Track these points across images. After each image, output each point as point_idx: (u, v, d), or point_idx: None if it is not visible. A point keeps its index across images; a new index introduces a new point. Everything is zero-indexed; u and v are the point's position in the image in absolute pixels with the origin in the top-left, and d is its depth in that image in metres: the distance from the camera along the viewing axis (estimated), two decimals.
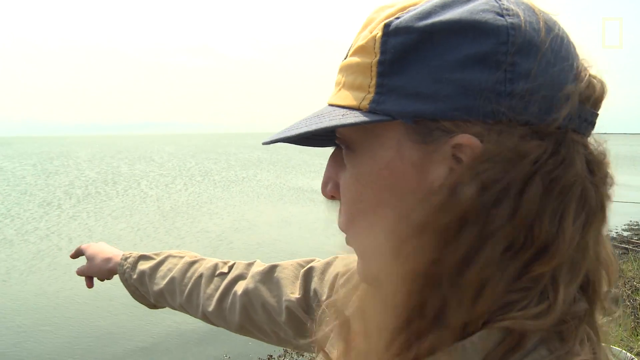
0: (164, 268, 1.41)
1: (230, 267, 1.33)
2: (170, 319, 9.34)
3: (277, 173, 41.49)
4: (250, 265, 1.32)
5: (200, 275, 1.34)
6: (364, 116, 0.66)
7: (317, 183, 24.22)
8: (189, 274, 1.36)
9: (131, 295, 1.50)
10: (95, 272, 1.57)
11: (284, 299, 1.19)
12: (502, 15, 0.63)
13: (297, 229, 18.64)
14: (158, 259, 1.44)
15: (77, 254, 1.66)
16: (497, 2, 0.65)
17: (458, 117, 0.63)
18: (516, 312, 0.60)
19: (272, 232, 18.15)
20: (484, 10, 0.63)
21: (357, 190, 0.71)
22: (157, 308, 1.50)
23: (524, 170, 0.61)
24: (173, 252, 1.46)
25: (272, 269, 1.26)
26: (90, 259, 1.59)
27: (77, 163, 59.50)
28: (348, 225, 0.76)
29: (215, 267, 1.34)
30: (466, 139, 0.62)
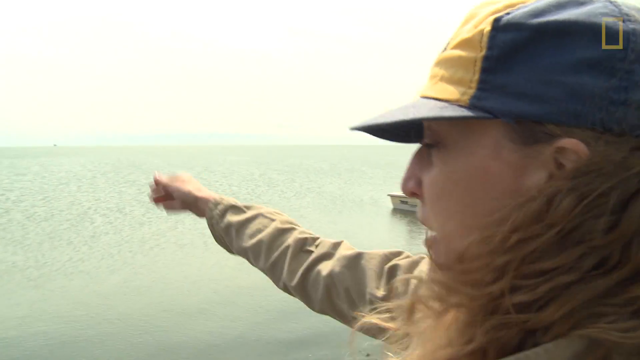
0: (252, 227, 1.39)
1: (317, 245, 1.32)
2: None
3: (340, 184, 41.66)
4: (336, 245, 1.30)
5: (288, 247, 1.32)
6: (464, 111, 0.63)
7: (378, 194, 24.32)
8: (277, 242, 1.34)
9: (214, 238, 1.51)
10: (180, 194, 1.55)
11: (367, 290, 1.17)
12: (623, 21, 0.61)
13: (359, 240, 18.69)
14: (248, 214, 1.43)
15: (164, 181, 1.61)
16: (616, 7, 0.62)
17: (565, 122, 0.60)
18: (603, 324, 0.55)
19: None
20: (603, 14, 0.62)
21: (447, 187, 0.68)
22: (236, 255, 1.50)
23: (629, 185, 0.58)
24: (264, 209, 1.44)
25: (359, 255, 1.24)
26: (183, 176, 1.60)
27: (145, 172, 61.41)
28: (433, 222, 0.72)
29: (305, 242, 1.33)
30: (572, 144, 0.60)
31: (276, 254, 1.33)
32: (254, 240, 1.37)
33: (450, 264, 0.66)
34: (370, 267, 1.21)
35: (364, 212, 25.80)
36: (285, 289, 1.33)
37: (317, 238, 1.35)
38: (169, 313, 11.20)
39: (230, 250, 1.49)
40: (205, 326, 10.42)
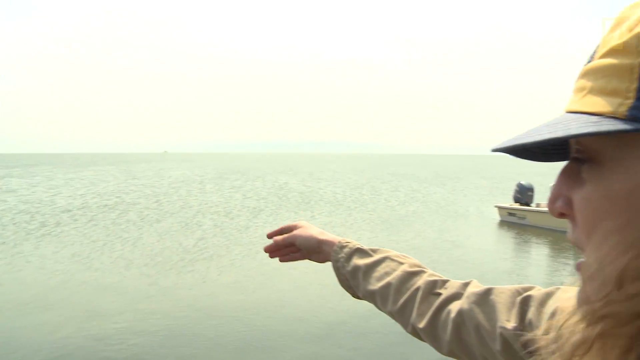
0: (380, 270, 1.38)
1: (446, 287, 1.28)
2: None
3: (444, 194, 40.94)
4: (466, 285, 1.26)
5: (417, 289, 1.29)
6: (623, 124, 0.56)
7: (484, 205, 23.63)
8: (406, 285, 1.31)
9: (339, 281, 1.49)
10: (303, 240, 1.56)
11: (498, 324, 1.11)
12: None
13: (464, 251, 18.26)
14: (375, 257, 1.42)
15: (287, 230, 1.64)
16: None
17: None
18: None
19: (440, 253, 17.93)
20: None
21: (603, 206, 0.62)
22: (361, 299, 1.47)
23: None
24: (391, 253, 1.43)
25: (489, 291, 1.19)
26: (304, 224, 1.61)
27: (249, 178, 63.06)
28: (586, 244, 0.65)
29: (434, 285, 1.29)
30: None
31: (405, 297, 1.31)
32: (382, 284, 1.35)
33: (607, 289, 0.60)
34: (500, 300, 1.15)
35: (469, 223, 25.17)
36: (414, 332, 1.29)
37: (447, 280, 1.31)
38: (274, 316, 11.31)
39: (355, 294, 1.48)
40: (307, 332, 10.43)
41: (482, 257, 16.88)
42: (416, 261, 1.41)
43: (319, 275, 13.82)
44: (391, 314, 1.33)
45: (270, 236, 1.66)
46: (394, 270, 1.36)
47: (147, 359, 9.05)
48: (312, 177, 67.48)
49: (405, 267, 1.36)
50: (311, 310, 11.68)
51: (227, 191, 43.52)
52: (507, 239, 21.59)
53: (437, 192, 43.85)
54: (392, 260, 1.40)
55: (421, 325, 1.24)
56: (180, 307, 11.88)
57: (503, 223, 24.93)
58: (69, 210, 29.79)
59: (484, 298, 1.18)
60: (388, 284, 1.34)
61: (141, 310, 11.67)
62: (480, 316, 1.15)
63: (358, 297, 1.47)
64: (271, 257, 1.66)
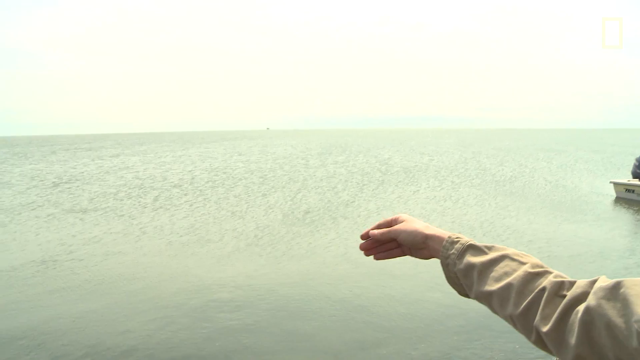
0: (499, 269, 1.28)
1: (573, 287, 1.17)
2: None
3: (552, 169, 39.22)
4: (593, 282, 1.15)
5: (543, 290, 1.19)
6: None
7: (598, 180, 22.52)
8: (530, 287, 1.22)
9: (446, 279, 1.40)
10: (406, 235, 1.46)
11: (633, 319, 1.01)
12: None
13: (576, 231, 17.42)
14: (491, 255, 1.31)
15: (386, 224, 1.54)
16: None
17: None
18: None
19: (552, 233, 17.23)
20: None
21: None
22: (471, 299, 1.38)
23: None
24: (509, 251, 1.31)
25: (618, 284, 1.08)
26: (406, 218, 1.50)
27: (352, 153, 63.21)
28: None
29: (561, 286, 1.18)
30: None
31: (529, 299, 1.20)
32: (501, 284, 1.25)
33: None
34: (634, 293, 1.03)
35: (581, 201, 23.89)
36: (537, 338, 1.17)
37: (574, 282, 1.18)
38: (385, 288, 11.26)
39: (464, 293, 1.37)
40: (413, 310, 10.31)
41: (597, 237, 15.98)
42: (538, 260, 1.29)
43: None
44: (510, 318, 1.24)
45: (364, 237, 1.56)
46: (515, 270, 1.26)
47: (255, 329, 9.27)
48: (414, 152, 66.71)
49: (527, 268, 1.25)
50: (420, 283, 11.55)
51: (331, 166, 43.86)
52: (625, 216, 20.35)
53: (545, 166, 42.07)
54: (512, 259, 1.29)
55: (545, 329, 1.14)
56: (290, 279, 12.09)
57: (620, 200, 23.52)
58: (180, 185, 31.08)
59: (614, 292, 1.06)
60: (509, 285, 1.24)
61: (250, 282, 11.97)
62: (611, 312, 1.04)
63: (467, 297, 1.38)
64: (367, 255, 1.55)
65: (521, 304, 1.20)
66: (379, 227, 1.54)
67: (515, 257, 1.29)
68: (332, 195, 25.57)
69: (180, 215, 20.66)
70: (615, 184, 24.71)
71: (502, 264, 1.28)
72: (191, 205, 23.44)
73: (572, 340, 1.09)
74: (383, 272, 12.30)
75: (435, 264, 1.47)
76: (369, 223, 18.49)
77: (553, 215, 19.79)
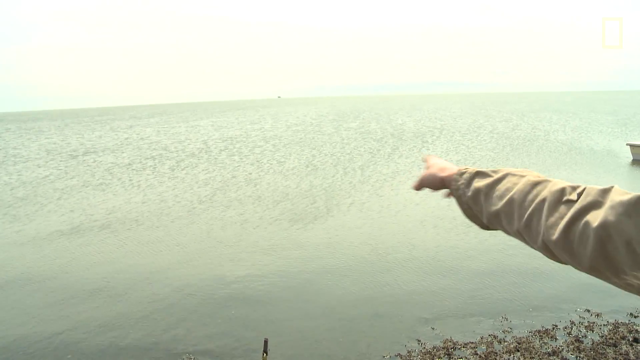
0: (501, 187, 1.25)
1: (580, 194, 1.10)
2: None
3: (567, 132, 39.00)
4: (606, 192, 1.06)
5: (544, 200, 1.14)
6: None
7: (613, 143, 22.27)
8: (530, 197, 1.17)
9: (463, 213, 1.38)
10: (428, 181, 1.50)
11: None
12: None
13: None
14: (496, 176, 1.29)
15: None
16: None
17: None
18: None
19: None
20: None
21: None
22: (490, 229, 1.35)
23: None
24: (513, 169, 1.28)
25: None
26: (430, 164, 1.53)
27: (363, 120, 63.04)
28: None
29: (562, 191, 1.12)
30: None
31: (531, 209, 1.15)
32: (504, 200, 1.22)
33: None
34: None
35: (597, 163, 23.81)
36: (544, 246, 1.12)
37: (578, 186, 1.12)
38: (400, 250, 11.48)
39: (481, 223, 1.34)
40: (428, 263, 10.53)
41: None
42: (538, 173, 1.25)
43: (443, 211, 13.81)
44: (518, 233, 1.20)
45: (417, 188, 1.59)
46: (515, 184, 1.23)
47: (282, 283, 9.55)
48: (427, 117, 66.42)
49: (527, 179, 1.22)
50: (431, 242, 11.77)
51: (344, 132, 43.88)
52: None
53: (559, 129, 41.82)
54: (513, 175, 1.26)
55: (553, 237, 1.08)
56: (309, 242, 12.35)
57: (637, 162, 23.46)
58: (195, 154, 31.34)
59: (636, 208, 0.98)
60: (511, 200, 1.21)
61: (265, 247, 12.24)
62: (632, 230, 0.97)
63: (485, 227, 1.35)
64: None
65: (524, 216, 1.17)
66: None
67: (517, 173, 1.26)
68: (347, 161, 25.73)
69: (197, 181, 20.94)
70: (632, 146, 24.55)
71: (504, 181, 1.26)
72: (209, 171, 23.76)
73: (586, 252, 1.03)
74: (398, 232, 12.54)
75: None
76: (386, 187, 18.70)
77: (570, 179, 19.85)
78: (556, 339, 7.23)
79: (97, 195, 19.28)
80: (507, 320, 7.89)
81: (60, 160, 31.25)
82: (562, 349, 6.88)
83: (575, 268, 1.08)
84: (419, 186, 1.54)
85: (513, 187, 1.23)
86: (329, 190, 18.37)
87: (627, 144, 25.62)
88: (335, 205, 15.86)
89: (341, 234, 12.85)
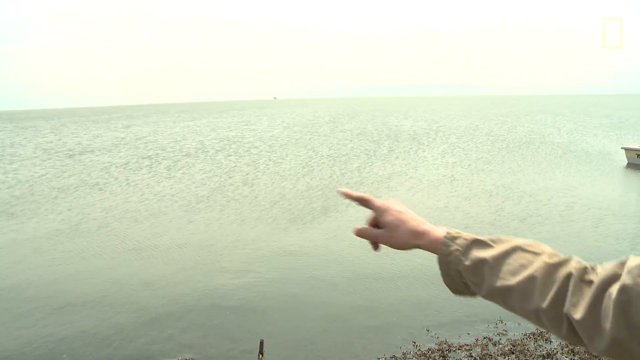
0: (512, 262, 1.18)
1: (597, 271, 1.08)
2: None
3: (562, 135, 39.09)
4: (622, 263, 1.05)
5: (569, 277, 1.10)
6: None
7: (608, 146, 22.34)
8: (553, 277, 1.12)
9: (443, 276, 1.27)
10: (395, 242, 1.33)
11: None
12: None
13: (587, 197, 17.55)
14: (501, 247, 1.21)
15: (364, 203, 1.42)
16: None
17: None
18: None
19: (564, 199, 17.37)
20: None
21: None
22: (475, 297, 1.25)
23: None
24: (519, 242, 1.21)
25: None
26: (389, 223, 1.35)
27: (359, 122, 63.09)
28: None
29: (585, 270, 1.09)
30: None
31: (555, 288, 1.10)
32: (520, 278, 1.15)
33: None
34: None
35: (592, 166, 23.85)
36: (569, 328, 1.08)
37: (596, 265, 1.10)
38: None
39: (467, 291, 1.25)
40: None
41: (608, 203, 16.04)
42: (551, 249, 1.20)
43: (440, 213, 13.79)
44: (535, 313, 1.14)
45: (344, 195, 1.42)
46: (531, 262, 1.16)
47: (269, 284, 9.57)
48: (423, 119, 66.51)
49: (545, 258, 1.16)
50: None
51: (340, 134, 43.89)
52: (635, 182, 20.40)
53: (555, 132, 41.91)
54: (525, 250, 1.19)
55: (577, 316, 1.04)
56: (306, 243, 12.39)
57: (631, 166, 23.46)
58: (192, 155, 31.32)
59: None
60: (530, 278, 1.14)
61: (261, 248, 12.27)
62: None
63: (468, 294, 1.26)
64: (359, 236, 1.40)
65: (547, 295, 1.11)
66: (357, 199, 1.43)
67: (528, 248, 1.19)
68: (343, 162, 25.77)
69: (195, 182, 20.95)
70: (627, 150, 24.58)
71: (515, 256, 1.18)
72: (205, 172, 23.78)
73: (607, 324, 0.99)
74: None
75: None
76: (382, 188, 18.73)
77: (565, 183, 19.93)
78: (551, 341, 7.28)
79: (94, 194, 19.26)
80: (502, 322, 7.94)
81: (57, 159, 31.19)
82: (557, 352, 6.93)
83: (597, 350, 1.04)
84: (366, 236, 1.38)
85: (529, 264, 1.16)
86: (326, 191, 18.41)
87: (621, 148, 25.71)
88: (331, 206, 15.89)
89: (337, 236, 12.87)
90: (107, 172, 24.90)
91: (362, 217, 1.30)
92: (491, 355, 6.88)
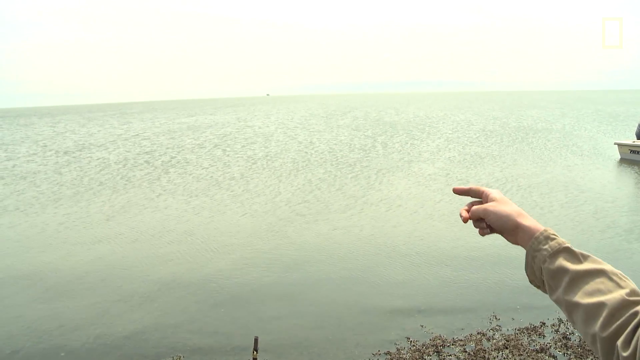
0: (593, 284, 1.20)
1: None
2: None
3: (555, 132, 39.21)
4: None
5: (635, 314, 1.12)
6: None
7: (600, 142, 22.30)
8: (623, 312, 1.14)
9: (526, 267, 1.34)
10: (497, 218, 1.38)
11: None
12: None
13: (579, 191, 17.60)
14: (587, 266, 1.23)
15: (476, 193, 1.49)
16: None
17: None
18: None
19: (556, 194, 17.41)
20: None
21: None
22: (544, 293, 1.32)
23: None
24: (607, 267, 1.23)
25: None
26: (500, 198, 1.42)
27: (353, 117, 63.09)
28: None
29: None
30: None
31: (618, 323, 1.12)
32: (593, 300, 1.17)
33: None
34: None
35: (585, 161, 23.87)
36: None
37: None
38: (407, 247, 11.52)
39: (539, 286, 1.31)
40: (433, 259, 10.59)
41: (601, 199, 16.03)
42: (636, 287, 1.20)
43: (435, 207, 13.82)
44: (592, 337, 1.16)
45: (456, 191, 1.50)
46: (610, 291, 1.18)
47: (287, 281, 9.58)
48: (417, 114, 66.60)
49: (624, 293, 1.17)
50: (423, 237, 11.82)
51: (336, 130, 43.89)
52: (628, 177, 20.39)
53: (548, 128, 41.98)
54: (610, 278, 1.21)
55: (625, 353, 1.07)
56: (299, 239, 12.39)
57: (624, 161, 23.52)
58: (192, 151, 31.27)
59: None
60: (601, 305, 1.16)
61: (255, 244, 12.27)
62: None
63: (541, 290, 1.32)
64: (465, 222, 1.47)
65: (610, 327, 1.13)
66: (469, 192, 1.49)
67: (614, 278, 1.21)
68: (340, 157, 25.76)
69: (194, 179, 20.93)
70: (620, 145, 24.68)
71: (598, 280, 1.20)
72: (205, 169, 23.80)
73: None
74: (388, 229, 12.59)
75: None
76: (377, 182, 18.73)
77: (556, 179, 19.96)
78: (544, 336, 7.31)
79: (91, 189, 19.21)
80: (495, 318, 7.97)
81: (56, 157, 31.09)
82: (550, 346, 6.95)
83: None
84: (477, 216, 1.43)
85: (607, 292, 1.18)
86: (322, 186, 18.42)
87: (615, 143, 25.79)
88: (327, 202, 15.90)
89: (330, 231, 12.90)
90: (103, 168, 24.84)
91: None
92: (485, 350, 6.89)
